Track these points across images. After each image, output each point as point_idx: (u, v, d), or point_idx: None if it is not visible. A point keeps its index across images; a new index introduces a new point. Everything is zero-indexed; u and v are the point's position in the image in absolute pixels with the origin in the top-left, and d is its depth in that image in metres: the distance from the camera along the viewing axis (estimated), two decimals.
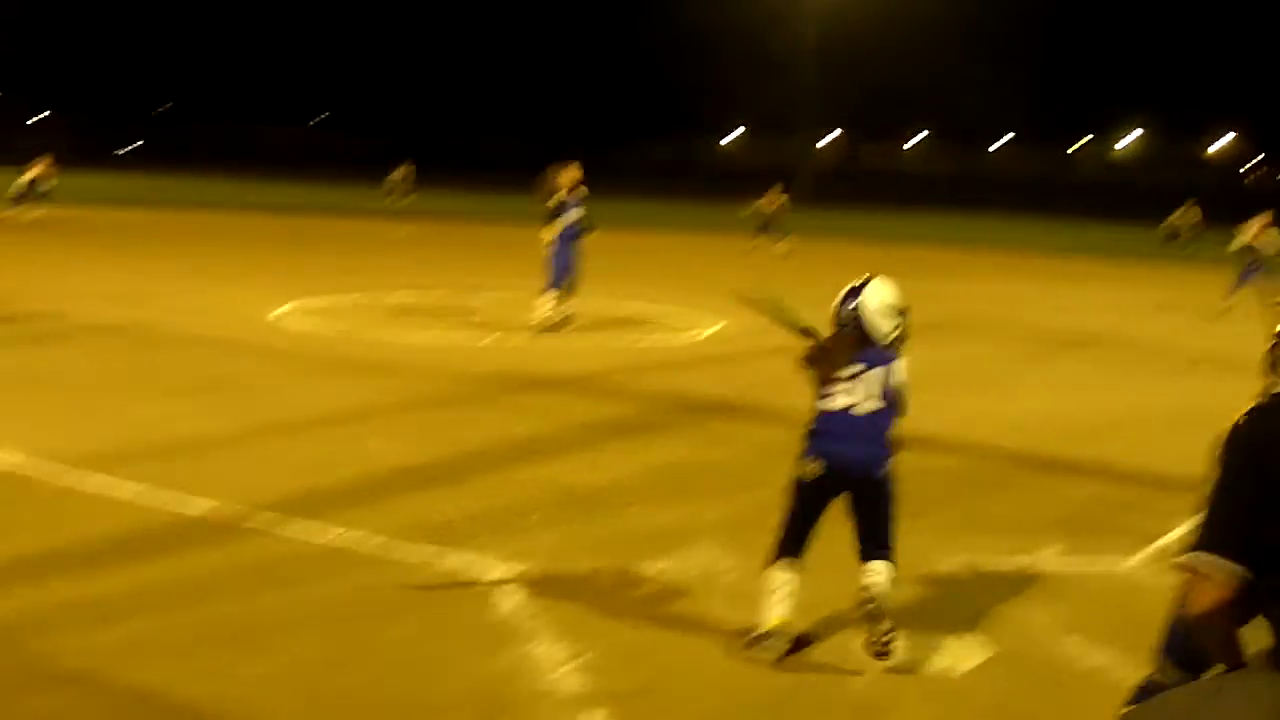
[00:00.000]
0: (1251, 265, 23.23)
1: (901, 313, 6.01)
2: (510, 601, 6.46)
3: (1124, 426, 11.93)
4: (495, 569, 6.91)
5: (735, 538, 7.66)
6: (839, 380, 5.97)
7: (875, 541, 5.95)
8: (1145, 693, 4.39)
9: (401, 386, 12.13)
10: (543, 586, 6.68)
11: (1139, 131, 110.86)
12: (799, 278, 25.09)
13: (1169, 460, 10.42)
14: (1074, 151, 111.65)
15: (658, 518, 8.06)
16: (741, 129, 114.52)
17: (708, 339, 16.56)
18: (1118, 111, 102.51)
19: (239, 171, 64.41)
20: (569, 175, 16.26)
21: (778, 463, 9.67)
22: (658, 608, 6.51)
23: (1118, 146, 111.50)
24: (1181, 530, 8.22)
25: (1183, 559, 3.17)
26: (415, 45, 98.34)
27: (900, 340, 6.08)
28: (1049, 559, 7.63)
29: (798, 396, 12.16)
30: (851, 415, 5.94)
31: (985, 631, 6.37)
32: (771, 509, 8.29)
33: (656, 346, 15.68)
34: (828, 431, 5.99)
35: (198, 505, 7.87)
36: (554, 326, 15.99)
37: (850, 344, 5.95)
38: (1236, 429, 3.27)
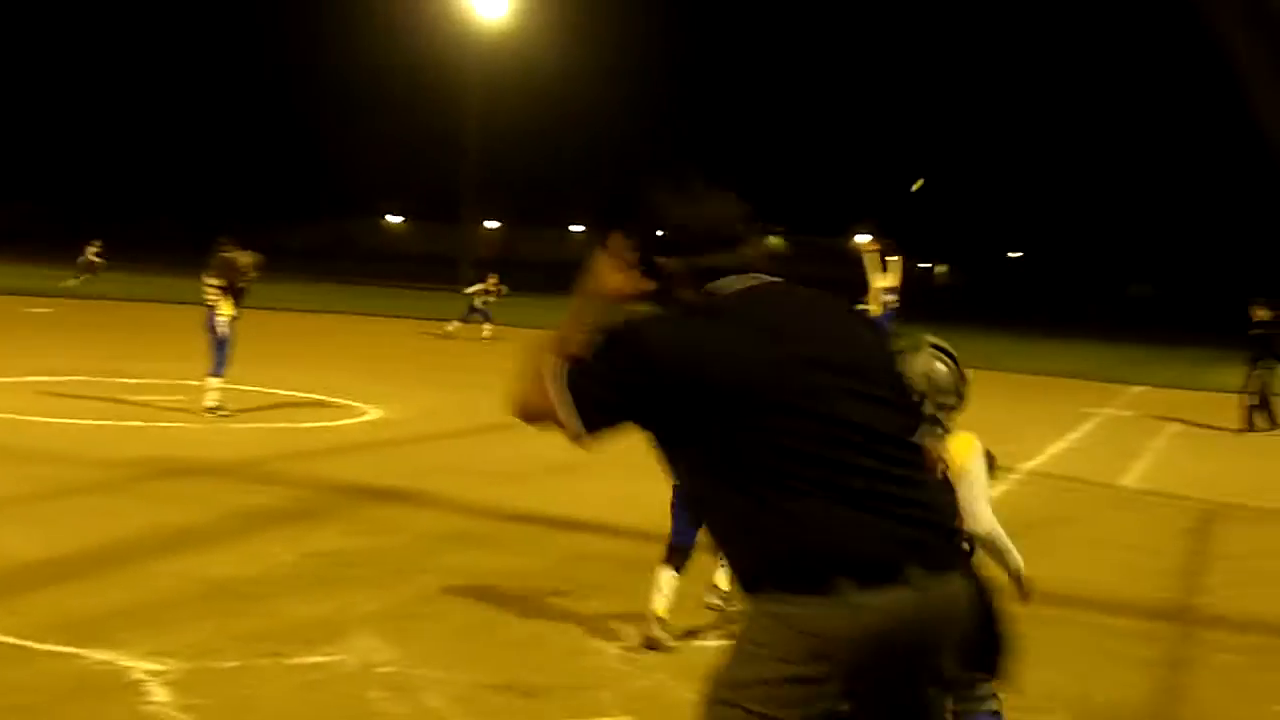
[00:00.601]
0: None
1: None
2: (155, 700, 6.18)
3: None
4: (139, 667, 6.61)
5: (395, 628, 7.56)
6: None
7: None
8: None
9: (41, 473, 11.52)
10: (189, 684, 6.41)
11: (777, 230, 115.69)
12: (475, 363, 25.14)
13: None
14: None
15: (313, 609, 7.87)
16: (401, 216, 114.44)
17: (370, 423, 16.37)
18: (761, 209, 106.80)
19: None
20: (252, 256, 16.02)
21: (440, 550, 9.68)
22: (312, 703, 6.35)
23: (772, 239, 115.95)
24: None
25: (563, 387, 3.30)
26: (83, 124, 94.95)
27: None
28: (707, 638, 7.78)
29: (461, 483, 12.22)
30: None
31: (644, 715, 6.45)
32: (434, 597, 8.27)
33: (316, 431, 15.40)
34: None
35: None
36: (218, 409, 15.55)
37: None
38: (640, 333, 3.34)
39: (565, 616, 8.04)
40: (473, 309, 32.86)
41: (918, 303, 27.66)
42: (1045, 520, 12.42)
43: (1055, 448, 17.91)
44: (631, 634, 7.72)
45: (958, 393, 5.30)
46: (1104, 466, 16.26)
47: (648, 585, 8.92)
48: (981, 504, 5.23)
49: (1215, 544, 12.15)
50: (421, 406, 18.16)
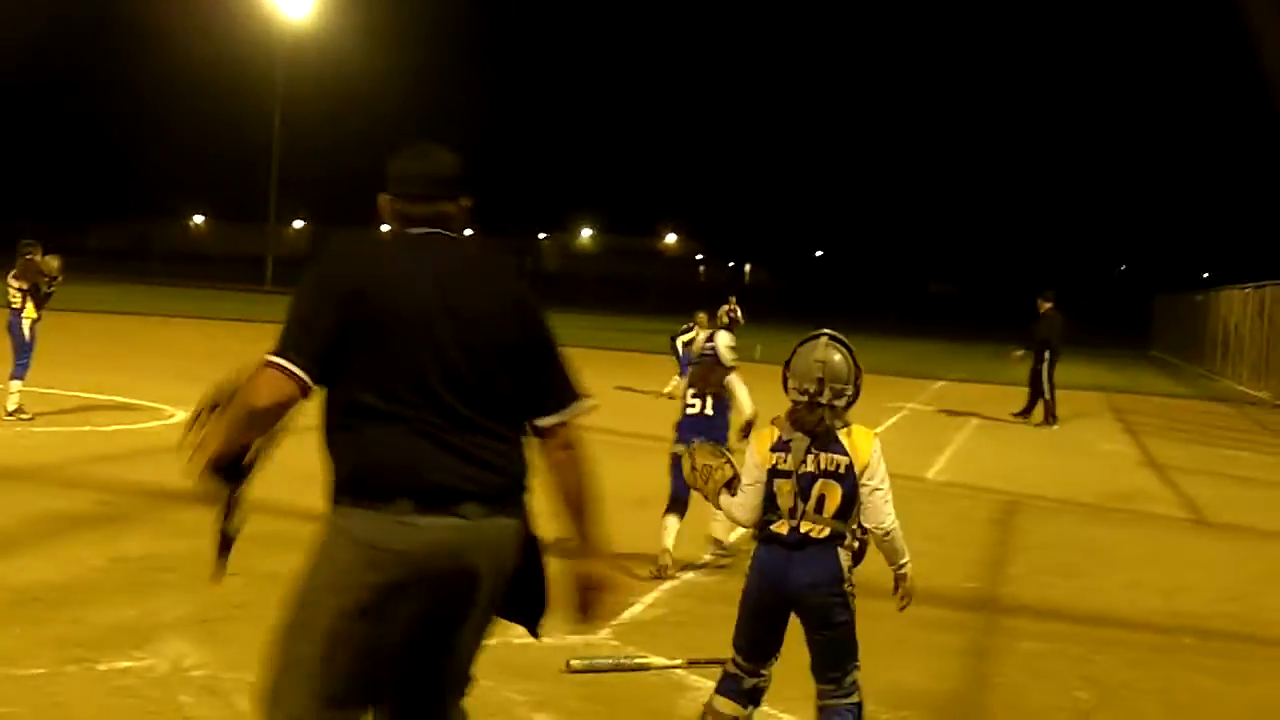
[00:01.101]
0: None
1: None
2: None
3: None
4: None
5: (206, 631, 7.42)
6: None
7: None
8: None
9: None
10: None
11: (589, 231, 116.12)
12: None
13: (633, 537, 10.88)
14: (538, 242, 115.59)
15: (121, 614, 7.69)
16: (205, 216, 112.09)
17: (177, 426, 15.97)
18: (569, 209, 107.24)
19: None
20: (58, 260, 15.72)
21: (250, 552, 9.47)
22: (122, 708, 6.20)
23: (584, 234, 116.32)
24: (644, 603, 8.64)
25: (268, 358, 3.67)
26: None
27: None
28: (520, 636, 7.77)
29: (271, 485, 11.98)
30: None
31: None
32: (245, 600, 8.12)
33: (122, 434, 15.02)
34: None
35: None
36: (19, 412, 15.09)
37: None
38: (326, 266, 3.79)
39: None
40: None
41: (726, 300, 27.97)
42: None
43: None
44: None
45: (854, 383, 5.52)
46: (909, 460, 16.65)
47: None
48: (888, 503, 5.46)
49: (1017, 535, 12.54)
50: None
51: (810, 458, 5.33)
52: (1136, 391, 34.51)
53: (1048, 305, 23.79)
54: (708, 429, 9.66)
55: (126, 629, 7.38)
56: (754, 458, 5.49)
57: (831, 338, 5.59)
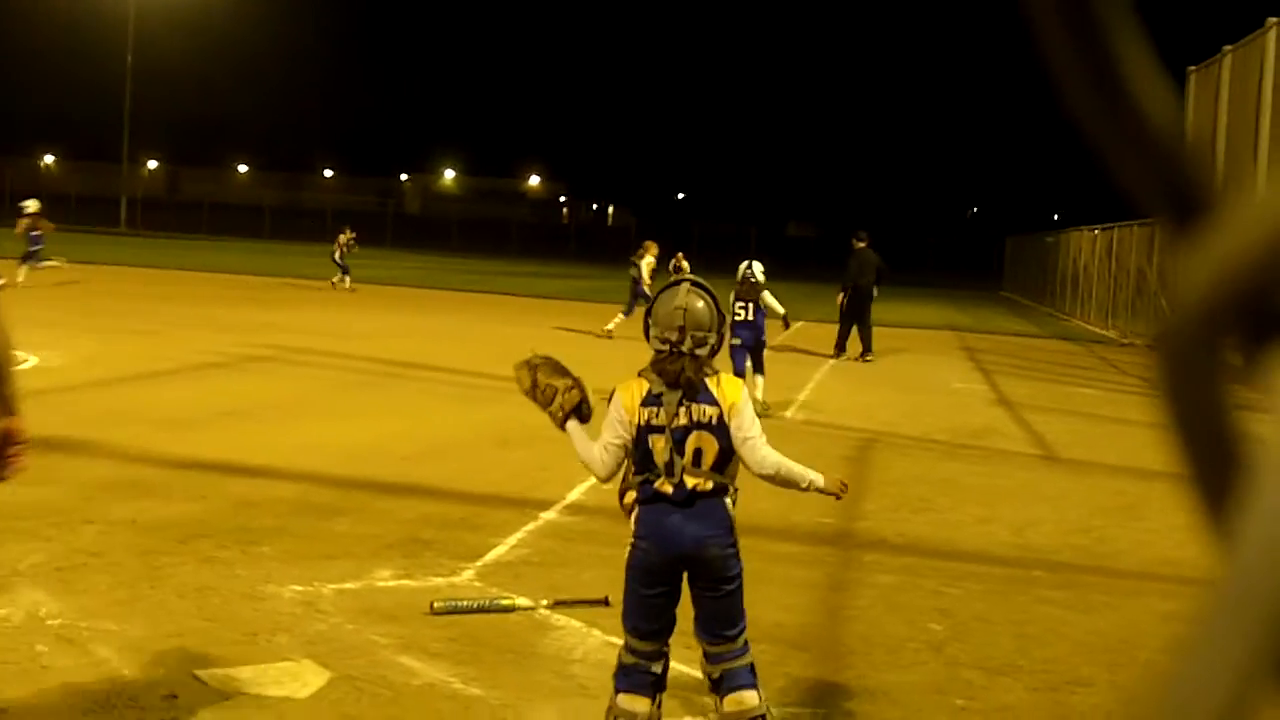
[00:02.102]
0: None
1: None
2: None
3: (454, 449, 12.37)
4: None
5: (60, 580, 7.32)
6: None
7: None
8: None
9: None
10: None
11: (451, 172, 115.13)
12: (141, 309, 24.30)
13: (496, 479, 10.93)
14: (400, 184, 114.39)
15: None
16: (57, 156, 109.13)
17: (29, 371, 15.64)
18: (432, 150, 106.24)
19: None
20: None
21: (105, 499, 9.38)
22: None
23: (447, 175, 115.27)
24: (508, 544, 8.69)
25: None
26: None
27: None
28: (384, 579, 7.80)
29: (127, 431, 11.84)
30: None
31: (323, 657, 6.43)
32: (100, 548, 8.02)
33: None
34: None
35: None
36: None
37: None
38: None
39: (237, 563, 7.92)
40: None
41: (593, 244, 28.04)
42: None
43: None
44: (305, 576, 7.67)
45: (716, 330, 5.29)
46: (767, 399, 16.86)
47: (320, 529, 8.88)
48: (764, 445, 5.30)
49: (873, 471, 12.77)
50: (82, 353, 17.48)
51: (682, 410, 5.12)
52: (987, 331, 35.20)
53: (861, 244, 24.98)
54: (753, 329, 15.94)
55: None
56: (620, 414, 5.20)
57: (693, 284, 5.39)
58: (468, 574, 8.01)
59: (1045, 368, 25.52)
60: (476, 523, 9.35)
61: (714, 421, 5.15)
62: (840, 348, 24.46)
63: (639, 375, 5.28)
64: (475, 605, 7.30)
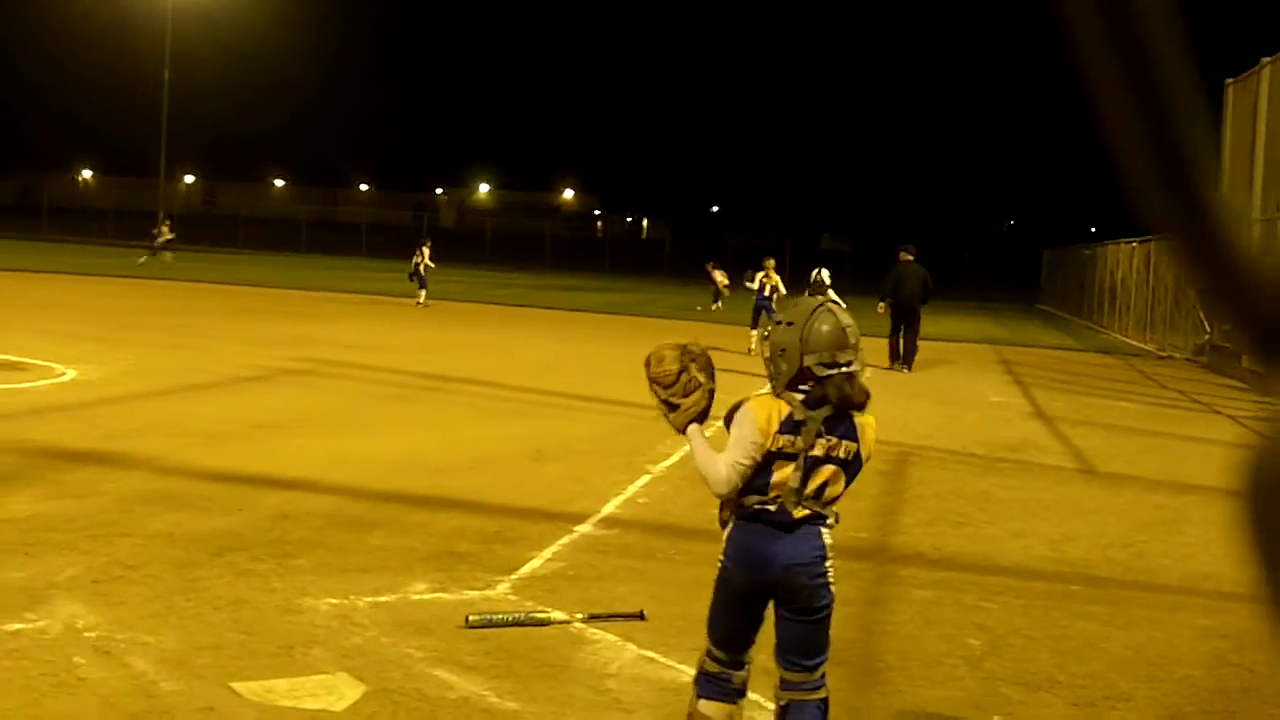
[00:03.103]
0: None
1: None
2: None
3: (490, 462, 12.37)
4: None
5: (98, 592, 7.35)
6: None
7: None
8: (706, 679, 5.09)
9: None
10: None
11: (487, 186, 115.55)
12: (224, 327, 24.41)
13: (531, 492, 10.92)
14: (434, 198, 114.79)
15: (11, 575, 7.58)
16: (94, 170, 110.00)
17: (67, 384, 15.75)
18: (467, 164, 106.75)
19: None
20: None
21: (142, 512, 9.41)
22: (14, 670, 6.13)
23: (482, 189, 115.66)
24: (543, 557, 8.68)
25: None
26: None
27: None
28: (419, 593, 7.80)
29: (163, 444, 11.89)
30: None
31: (358, 670, 6.43)
32: (137, 561, 8.05)
33: (10, 392, 14.73)
34: None
35: None
36: None
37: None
38: None
39: (273, 576, 7.93)
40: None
41: (627, 257, 28.03)
42: None
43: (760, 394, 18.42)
44: (340, 590, 7.67)
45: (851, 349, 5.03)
46: None
47: (355, 542, 8.89)
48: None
49: (908, 485, 12.71)
50: (120, 366, 17.57)
51: (820, 441, 4.87)
52: (1024, 344, 35.05)
53: (908, 257, 25.57)
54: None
55: (17, 590, 7.29)
56: (755, 435, 4.88)
57: (835, 302, 5.18)
58: (503, 587, 8.00)
59: (1083, 381, 25.37)
60: (511, 536, 9.35)
61: (849, 458, 4.94)
62: (895, 357, 24.99)
63: (774, 396, 4.99)
64: (510, 619, 7.29)
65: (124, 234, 67.03)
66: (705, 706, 5.13)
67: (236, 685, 6.08)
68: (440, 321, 29.68)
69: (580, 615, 7.42)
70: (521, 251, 73.24)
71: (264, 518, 9.42)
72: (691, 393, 5.22)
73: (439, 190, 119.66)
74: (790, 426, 4.86)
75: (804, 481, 4.90)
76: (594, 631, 7.23)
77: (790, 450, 4.86)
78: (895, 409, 18.76)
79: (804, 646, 5.08)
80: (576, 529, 9.69)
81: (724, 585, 5.09)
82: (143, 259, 42.05)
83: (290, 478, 10.81)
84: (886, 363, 24.82)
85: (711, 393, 5.26)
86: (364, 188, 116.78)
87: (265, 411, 14.42)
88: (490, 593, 7.88)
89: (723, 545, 5.08)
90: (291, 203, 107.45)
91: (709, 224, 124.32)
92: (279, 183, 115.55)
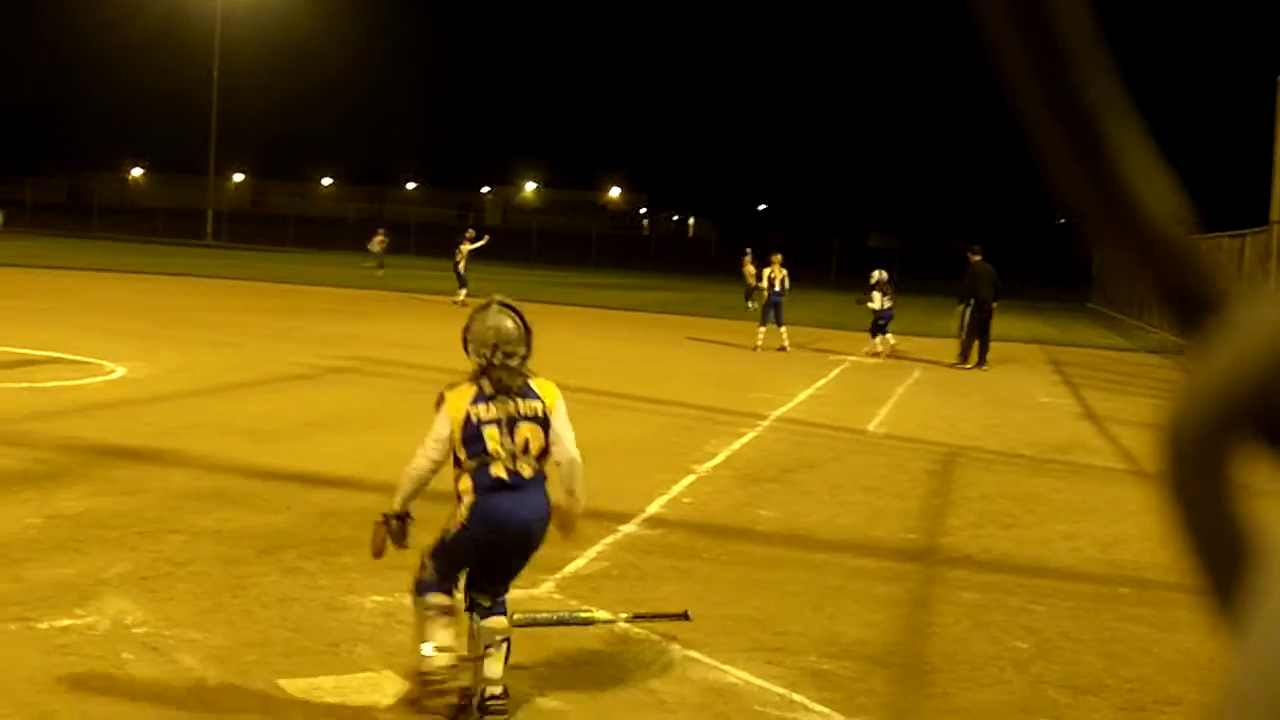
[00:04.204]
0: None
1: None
2: None
3: None
4: None
5: (146, 589, 7.40)
6: None
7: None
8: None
9: None
10: None
11: (533, 184, 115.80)
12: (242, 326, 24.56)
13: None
14: (482, 196, 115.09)
15: (61, 571, 7.64)
16: (144, 169, 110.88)
17: (116, 382, 15.87)
18: (515, 162, 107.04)
19: None
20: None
21: (190, 509, 9.47)
22: (64, 666, 6.18)
23: (528, 186, 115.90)
24: (586, 557, 8.67)
25: None
26: None
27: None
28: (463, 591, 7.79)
29: (210, 441, 11.96)
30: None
31: (404, 667, 6.44)
32: (185, 557, 8.10)
33: (60, 390, 14.87)
34: None
35: None
36: None
37: None
38: None
39: (320, 573, 7.97)
40: None
41: (673, 255, 28.05)
42: (793, 465, 12.78)
43: (803, 395, 18.38)
44: (386, 587, 7.69)
45: (526, 344, 6.12)
46: (850, 412, 16.76)
47: None
48: (570, 434, 6.16)
49: (956, 486, 12.64)
50: (169, 364, 17.68)
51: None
52: (1074, 344, 34.79)
53: (976, 258, 25.66)
54: (889, 314, 25.07)
55: (66, 586, 7.35)
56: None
57: (504, 305, 6.16)
58: (546, 586, 8.01)
59: (1133, 381, 25.17)
60: (554, 535, 9.33)
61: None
62: (964, 357, 25.06)
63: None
64: (554, 618, 7.29)
65: (173, 232, 67.53)
66: (436, 598, 5.95)
67: (283, 682, 6.11)
68: None
69: (624, 615, 7.41)
70: (567, 250, 73.33)
71: (311, 515, 9.47)
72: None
73: (486, 188, 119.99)
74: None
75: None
76: (638, 631, 7.22)
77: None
78: (944, 409, 18.68)
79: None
80: (621, 528, 9.68)
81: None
82: (381, 272, 41.81)
83: (337, 475, 10.85)
84: (952, 360, 24.88)
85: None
86: (411, 186, 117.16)
87: (312, 409, 14.48)
88: (534, 591, 7.88)
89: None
90: (339, 201, 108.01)
91: (756, 222, 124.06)
92: (327, 181, 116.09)
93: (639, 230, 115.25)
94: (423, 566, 6.01)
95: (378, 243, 45.25)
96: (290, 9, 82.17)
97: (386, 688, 6.15)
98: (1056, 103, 0.61)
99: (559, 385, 6.30)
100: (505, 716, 5.91)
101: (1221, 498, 0.58)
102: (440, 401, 6.01)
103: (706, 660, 6.84)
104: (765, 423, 15.60)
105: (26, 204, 70.55)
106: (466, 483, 5.90)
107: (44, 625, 6.69)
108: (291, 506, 9.72)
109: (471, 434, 5.87)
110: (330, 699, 5.99)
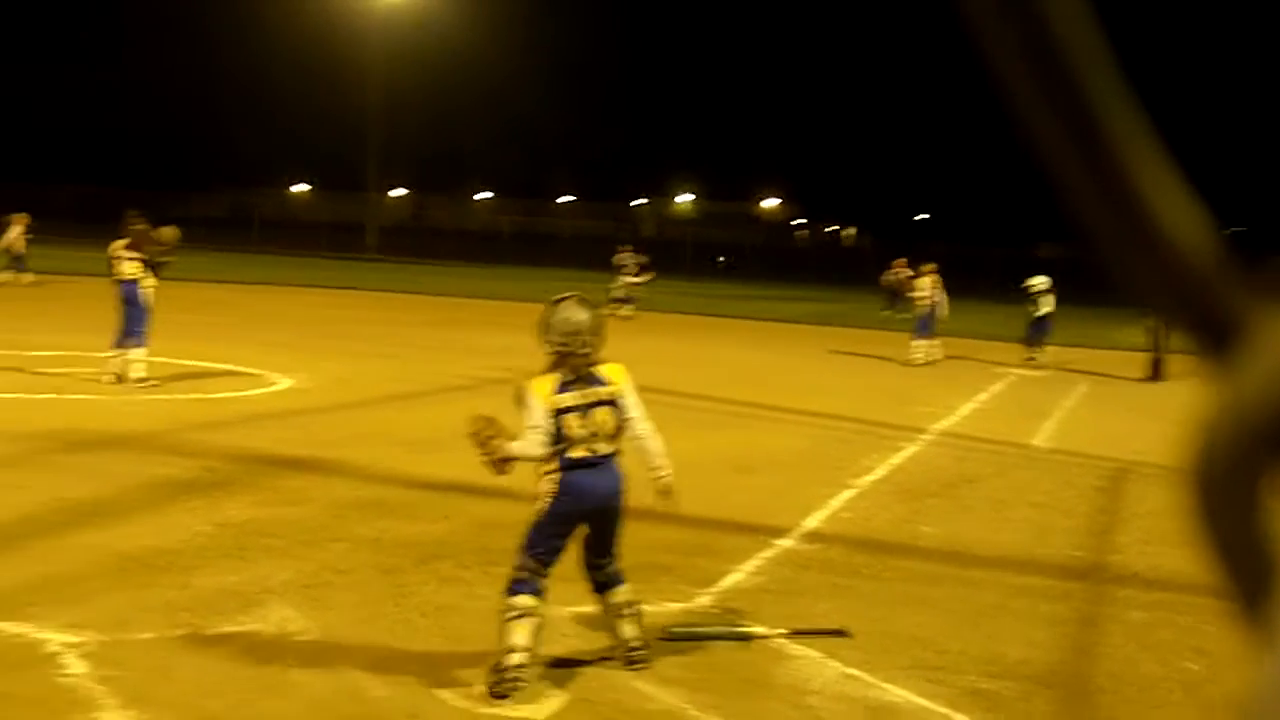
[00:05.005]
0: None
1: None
2: (71, 673, 6.11)
3: (691, 472, 12.30)
4: (54, 639, 6.52)
5: (309, 597, 7.51)
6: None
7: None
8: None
9: None
10: (105, 655, 6.35)
11: (688, 196, 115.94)
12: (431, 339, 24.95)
13: (734, 504, 10.86)
14: (636, 209, 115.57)
15: (226, 579, 7.80)
16: (306, 184, 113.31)
17: (281, 393, 16.20)
18: (669, 174, 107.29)
19: None
20: (174, 231, 16.04)
21: (352, 518, 9.61)
22: (229, 672, 6.29)
23: (682, 198, 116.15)
24: (744, 571, 8.61)
25: None
26: None
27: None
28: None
29: (373, 452, 12.13)
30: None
31: (559, 679, 6.45)
32: (347, 566, 8.21)
33: (227, 401, 15.22)
34: None
35: None
36: (146, 380, 15.41)
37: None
38: None
39: (478, 583, 8.02)
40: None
41: (829, 266, 27.88)
42: (955, 480, 12.57)
43: (966, 408, 18.11)
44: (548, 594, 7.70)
45: (600, 333, 6.63)
46: (1014, 426, 16.46)
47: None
48: (641, 411, 6.62)
49: (1125, 502, 12.34)
50: (331, 376, 17.99)
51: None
52: None
53: None
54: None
55: (232, 594, 7.49)
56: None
57: (581, 299, 6.70)
58: (703, 600, 7.97)
59: None
60: (713, 549, 9.30)
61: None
62: (1158, 373, 24.36)
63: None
64: (711, 632, 7.24)
65: (335, 246, 68.85)
66: (522, 600, 6.32)
67: (441, 692, 6.15)
68: (640, 332, 29.80)
69: (782, 630, 7.33)
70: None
71: (470, 525, 9.54)
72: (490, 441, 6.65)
73: (640, 200, 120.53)
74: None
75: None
76: (796, 647, 7.14)
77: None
78: (1109, 423, 18.27)
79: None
80: (778, 543, 9.60)
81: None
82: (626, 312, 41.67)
83: (495, 486, 10.87)
84: (1140, 375, 24.31)
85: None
86: (566, 199, 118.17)
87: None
88: (690, 605, 7.85)
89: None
90: (495, 214, 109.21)
91: (914, 231, 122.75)
92: (483, 195, 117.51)
93: (794, 241, 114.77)
94: (518, 565, 6.41)
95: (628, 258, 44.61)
96: (449, 27, 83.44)
97: (543, 699, 6.16)
98: (1064, 112, 0.60)
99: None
100: (647, 665, 6.53)
101: (1250, 518, 0.59)
102: (522, 395, 6.52)
103: (866, 678, 6.74)
104: (926, 436, 15.38)
105: (191, 220, 72.40)
106: (550, 464, 6.45)
107: (210, 631, 6.82)
108: (450, 516, 9.80)
109: (556, 420, 6.37)
110: (487, 709, 6.01)
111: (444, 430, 13.17)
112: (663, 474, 6.80)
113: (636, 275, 35.38)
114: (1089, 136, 0.60)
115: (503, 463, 6.65)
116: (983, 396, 20.27)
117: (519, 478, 11.22)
